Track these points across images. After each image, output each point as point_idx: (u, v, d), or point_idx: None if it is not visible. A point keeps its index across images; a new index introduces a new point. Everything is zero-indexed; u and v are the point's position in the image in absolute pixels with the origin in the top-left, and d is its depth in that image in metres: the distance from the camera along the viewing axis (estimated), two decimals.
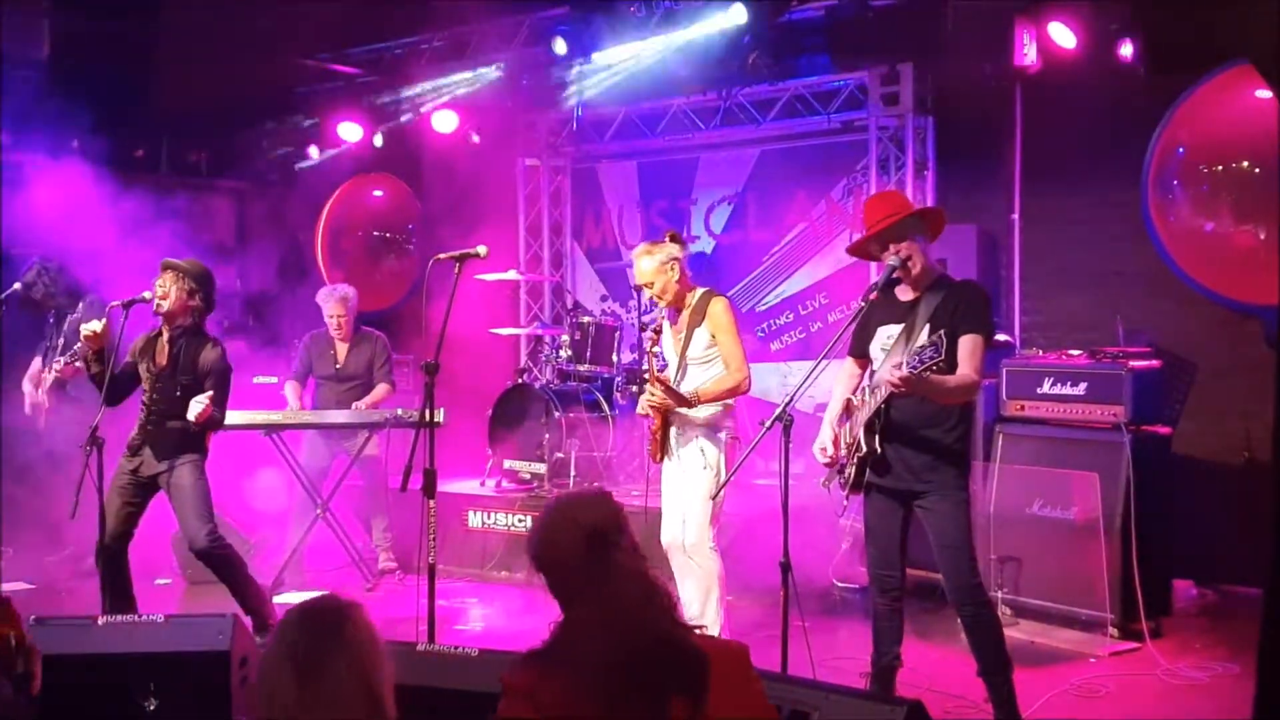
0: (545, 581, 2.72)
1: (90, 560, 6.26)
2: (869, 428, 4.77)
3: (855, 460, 4.85)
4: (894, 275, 4.82)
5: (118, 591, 6.06)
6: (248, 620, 5.49)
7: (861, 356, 5.05)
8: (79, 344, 6.21)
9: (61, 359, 7.27)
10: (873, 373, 4.88)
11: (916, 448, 4.75)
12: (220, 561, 6.19)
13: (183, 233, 8.08)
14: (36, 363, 7.94)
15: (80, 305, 7.85)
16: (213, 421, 6.04)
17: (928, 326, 4.67)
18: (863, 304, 4.87)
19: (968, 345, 4.63)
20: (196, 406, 5.91)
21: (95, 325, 5.93)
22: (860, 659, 6.00)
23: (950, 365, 4.57)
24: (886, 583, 4.96)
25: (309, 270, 10.74)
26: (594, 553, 2.63)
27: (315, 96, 10.48)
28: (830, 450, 4.97)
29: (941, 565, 4.82)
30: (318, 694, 2.35)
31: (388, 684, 2.45)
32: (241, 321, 9.47)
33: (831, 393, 5.18)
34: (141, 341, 6.28)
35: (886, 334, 4.84)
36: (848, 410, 4.98)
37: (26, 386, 7.88)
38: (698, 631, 2.71)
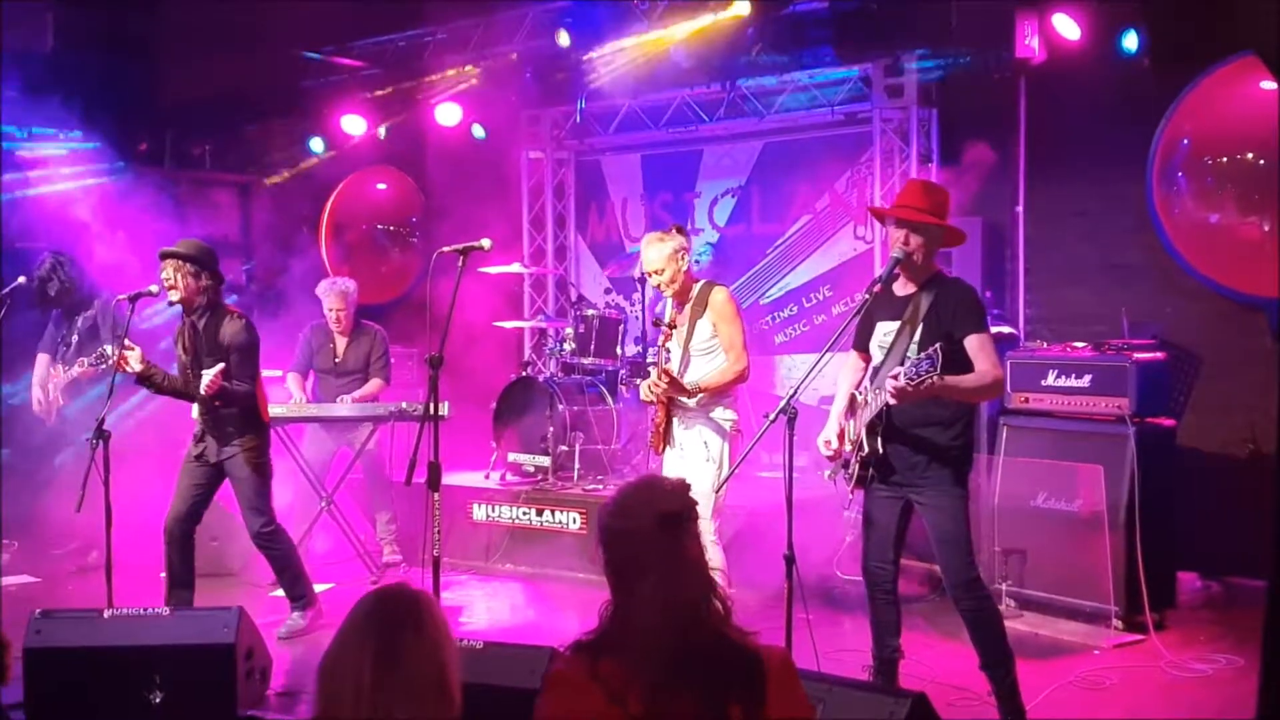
0: (605, 558, 2.68)
1: (95, 554, 6.28)
2: (871, 428, 4.78)
3: (858, 458, 4.87)
4: (894, 270, 4.83)
5: (174, 578, 6.07)
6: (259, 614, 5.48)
7: (864, 350, 5.07)
8: (111, 348, 6.12)
9: (85, 360, 7.24)
10: (875, 369, 4.88)
11: (917, 447, 4.77)
12: (271, 555, 6.28)
13: (186, 226, 8.09)
14: (43, 359, 7.92)
15: (96, 303, 7.84)
16: (226, 393, 5.95)
17: (923, 325, 4.69)
18: (866, 296, 4.87)
19: (976, 343, 4.65)
20: (205, 379, 5.87)
21: (135, 364, 5.88)
22: (864, 651, 6.02)
23: (959, 366, 4.57)
24: (878, 575, 4.97)
25: (313, 263, 10.73)
26: (665, 532, 2.62)
27: (319, 89, 10.47)
28: (834, 444, 4.98)
29: (940, 560, 4.84)
30: (393, 681, 2.34)
31: (457, 678, 2.45)
32: (245, 314, 9.46)
33: (836, 385, 5.19)
34: (176, 333, 6.28)
35: (884, 331, 4.85)
36: (852, 405, 4.99)
37: (36, 392, 7.86)
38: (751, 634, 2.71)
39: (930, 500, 4.78)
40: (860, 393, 4.96)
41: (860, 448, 4.84)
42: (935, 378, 4.28)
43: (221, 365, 5.92)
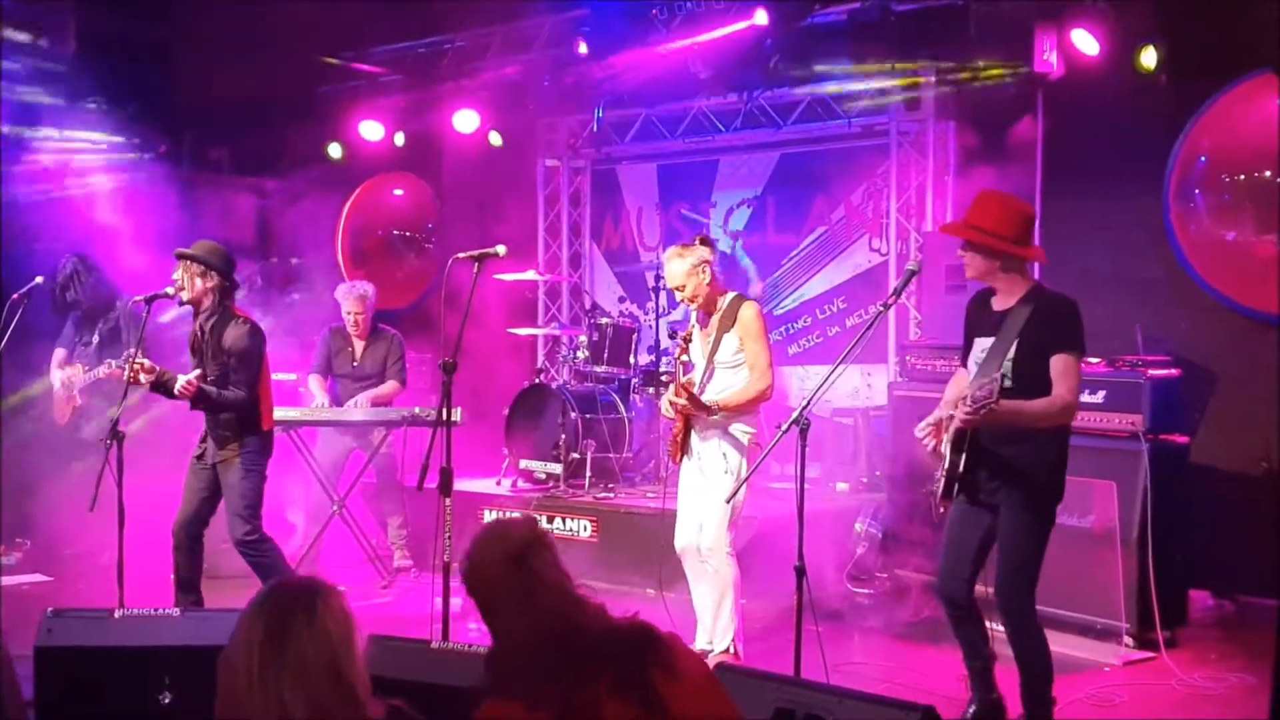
0: (476, 605, 2.84)
1: (108, 554, 6.29)
2: (956, 445, 4.74)
3: (943, 471, 4.85)
4: (909, 282, 4.86)
5: (181, 581, 6.08)
6: None
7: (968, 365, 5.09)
8: (133, 351, 6.11)
9: (111, 361, 7.25)
10: (981, 385, 4.84)
11: (996, 464, 4.72)
12: (253, 564, 6.20)
13: (202, 228, 8.11)
14: (59, 354, 7.95)
15: (118, 305, 7.87)
16: (206, 398, 5.92)
17: (1018, 341, 4.64)
18: (880, 308, 4.88)
19: (1060, 365, 4.57)
20: (179, 382, 5.85)
21: (143, 378, 5.87)
22: (873, 663, 6.02)
23: (1042, 386, 4.56)
24: (946, 590, 4.94)
25: (329, 268, 10.77)
26: (518, 569, 2.76)
27: (338, 95, 10.51)
28: (930, 430, 4.90)
29: (996, 577, 4.80)
30: (281, 664, 2.38)
31: (357, 670, 2.47)
32: (259, 319, 9.49)
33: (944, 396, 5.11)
34: (190, 334, 6.30)
35: (980, 347, 4.81)
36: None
37: (58, 389, 7.89)
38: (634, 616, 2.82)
39: (1003, 517, 4.76)
40: (953, 408, 4.94)
41: (944, 458, 4.82)
42: (993, 405, 4.30)
43: (197, 372, 5.91)
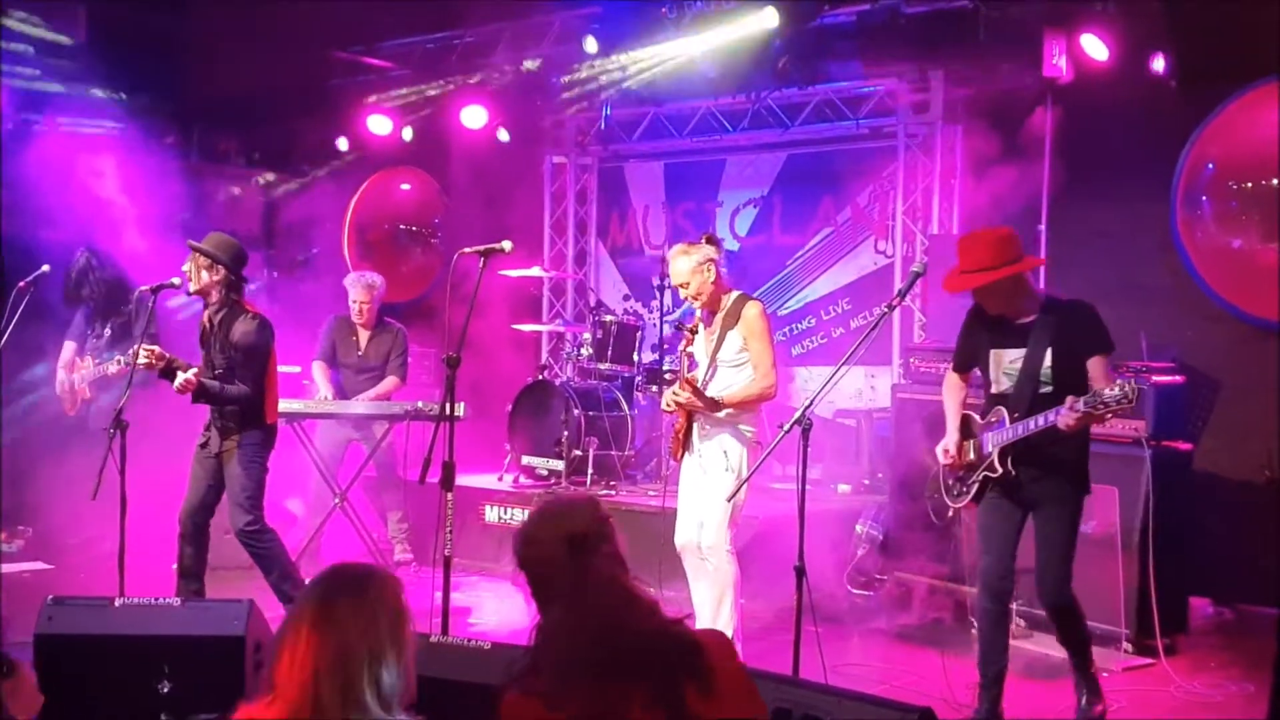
0: (524, 578, 2.77)
1: (109, 543, 6.30)
2: (1003, 453, 4.94)
3: (982, 476, 5.04)
4: (914, 284, 4.94)
5: (185, 569, 6.10)
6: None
7: (965, 371, 5.33)
8: (142, 349, 6.11)
9: (121, 358, 7.25)
10: (1001, 395, 5.02)
11: (1042, 463, 4.94)
12: (254, 554, 6.23)
13: (210, 220, 8.14)
14: (69, 346, 7.95)
15: (131, 298, 7.85)
16: (207, 393, 5.94)
17: (1052, 350, 4.86)
18: (885, 310, 4.91)
19: (1099, 366, 4.85)
20: (178, 380, 5.87)
21: (144, 357, 5.89)
22: (871, 665, 6.02)
23: (1075, 387, 4.74)
24: (999, 588, 5.09)
25: (334, 261, 10.79)
26: (573, 557, 2.67)
27: (346, 89, 10.52)
28: (954, 454, 5.16)
29: (1039, 561, 5.03)
30: (323, 648, 2.38)
31: (402, 661, 2.46)
32: (266, 310, 9.50)
33: (944, 403, 5.37)
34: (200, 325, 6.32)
35: (1010, 359, 4.99)
36: (967, 423, 5.20)
37: (61, 375, 7.91)
38: (684, 621, 2.75)
39: (1049, 509, 4.99)
40: (979, 416, 5.15)
41: (989, 468, 5.00)
42: (1099, 409, 4.52)
43: (194, 370, 5.91)
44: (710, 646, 2.64)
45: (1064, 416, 4.61)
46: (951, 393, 5.34)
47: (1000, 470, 4.96)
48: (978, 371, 5.25)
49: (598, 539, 2.72)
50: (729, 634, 5.64)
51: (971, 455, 5.13)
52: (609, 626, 2.60)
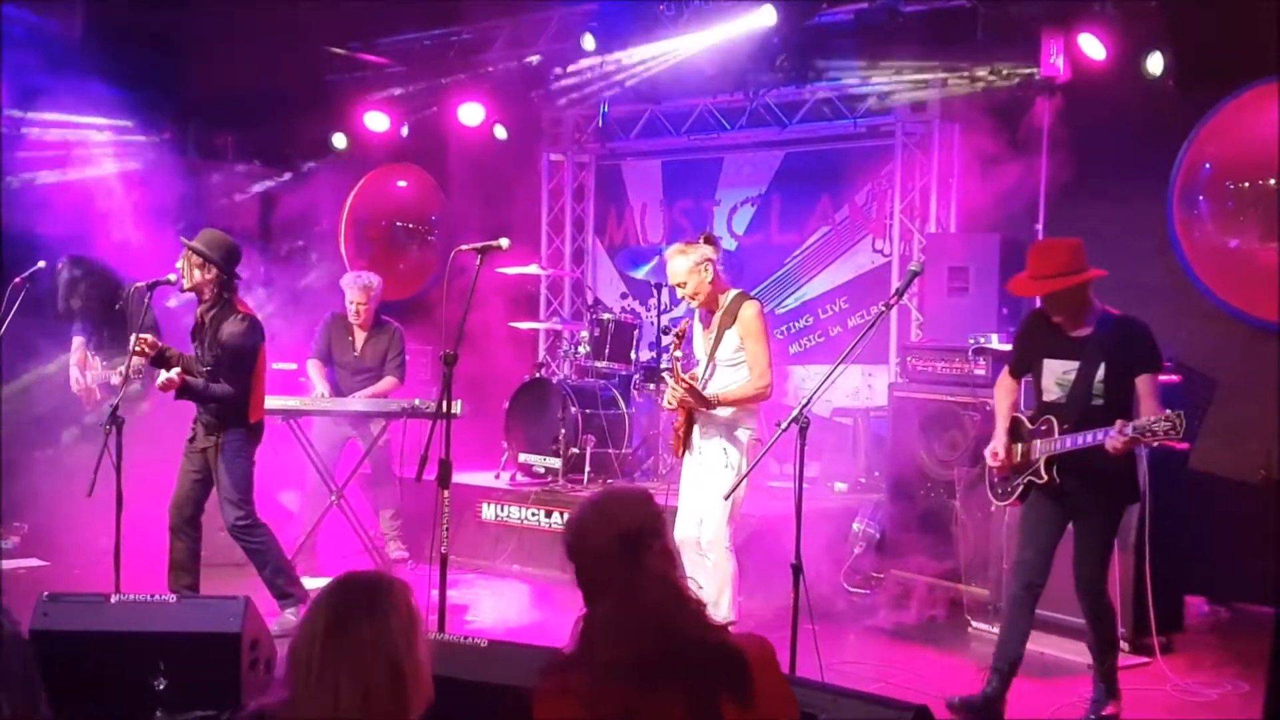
0: (573, 570, 2.72)
1: (105, 539, 6.29)
2: (1049, 462, 5.06)
3: (1027, 480, 5.17)
4: (913, 280, 4.99)
5: (174, 563, 6.13)
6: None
7: (1020, 375, 5.42)
8: (135, 337, 6.09)
9: (122, 369, 7.21)
10: (1052, 404, 5.11)
11: (1087, 475, 5.04)
12: (246, 550, 6.26)
13: (206, 216, 8.12)
14: (78, 342, 7.90)
15: (121, 293, 7.79)
16: (191, 391, 5.96)
17: (1105, 365, 4.97)
18: (883, 309, 4.93)
19: (1150, 384, 4.96)
20: (160, 379, 5.89)
21: (137, 346, 5.92)
22: (867, 663, 6.02)
23: (1124, 402, 4.94)
24: (1036, 587, 5.24)
25: (331, 258, 10.77)
26: (625, 552, 2.63)
27: (344, 85, 10.50)
28: (1002, 456, 5.25)
29: (1077, 558, 5.18)
30: (339, 654, 2.37)
31: (419, 663, 2.46)
32: (264, 300, 9.49)
33: (995, 404, 5.50)
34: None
35: (1063, 369, 5.08)
36: (1016, 425, 5.30)
37: (74, 373, 7.86)
38: (728, 628, 2.73)
39: (1091, 518, 5.14)
40: (1029, 421, 5.23)
41: (1037, 474, 5.09)
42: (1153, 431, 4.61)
43: (177, 370, 5.92)
44: (752, 658, 2.60)
45: (1112, 440, 4.71)
46: (1004, 394, 5.44)
47: (1046, 478, 5.06)
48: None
49: (651, 535, 2.68)
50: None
51: (1019, 459, 5.22)
52: (658, 628, 2.57)
